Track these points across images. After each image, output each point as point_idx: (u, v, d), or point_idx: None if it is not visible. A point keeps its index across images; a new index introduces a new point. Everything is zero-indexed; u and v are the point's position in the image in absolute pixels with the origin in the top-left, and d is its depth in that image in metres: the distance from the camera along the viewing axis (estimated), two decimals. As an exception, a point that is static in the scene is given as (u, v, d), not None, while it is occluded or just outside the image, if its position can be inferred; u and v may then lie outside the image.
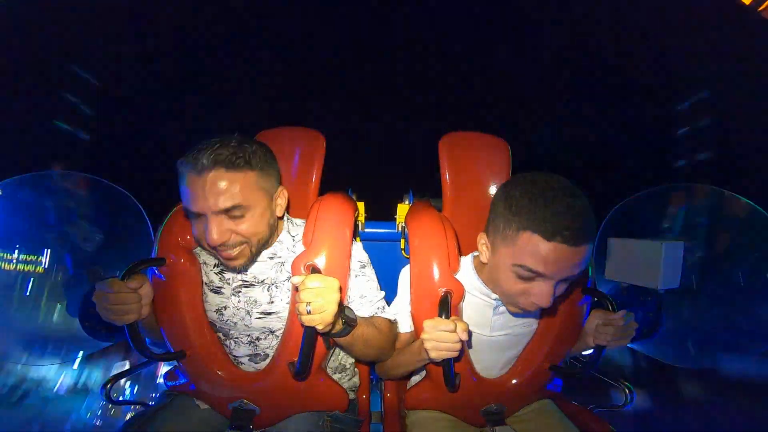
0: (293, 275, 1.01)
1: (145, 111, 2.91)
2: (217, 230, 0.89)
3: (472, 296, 1.06)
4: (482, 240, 0.95)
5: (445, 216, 1.22)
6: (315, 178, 1.33)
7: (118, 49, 2.72)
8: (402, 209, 1.62)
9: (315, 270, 0.93)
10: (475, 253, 1.09)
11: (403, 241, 1.58)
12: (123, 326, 0.93)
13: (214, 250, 0.94)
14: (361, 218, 1.52)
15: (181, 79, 3.09)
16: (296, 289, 0.83)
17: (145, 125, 2.91)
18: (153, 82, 2.93)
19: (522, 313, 0.96)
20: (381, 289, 1.13)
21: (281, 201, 1.02)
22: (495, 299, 1.02)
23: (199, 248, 1.10)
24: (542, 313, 1.09)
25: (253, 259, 1.00)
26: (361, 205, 1.48)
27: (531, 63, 3.19)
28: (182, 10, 2.88)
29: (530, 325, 1.11)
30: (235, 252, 0.94)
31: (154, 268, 1.06)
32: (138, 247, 1.66)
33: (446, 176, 1.34)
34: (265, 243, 1.02)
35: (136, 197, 1.72)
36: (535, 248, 0.80)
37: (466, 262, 1.10)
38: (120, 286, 0.90)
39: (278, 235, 1.08)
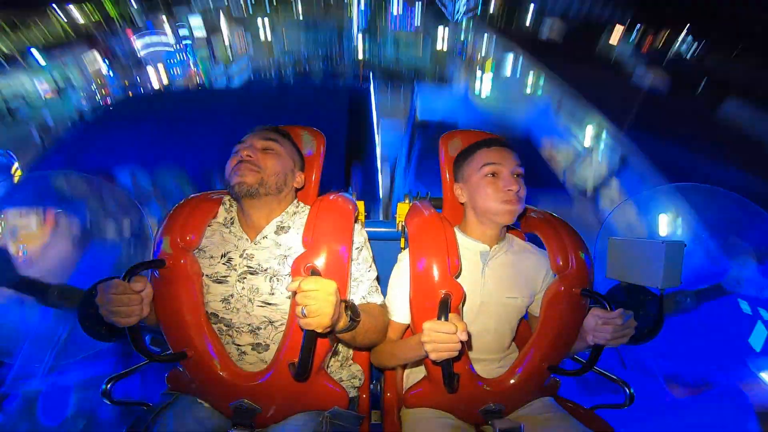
0: (293, 276, 1.02)
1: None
2: (248, 149, 1.13)
3: (464, 257, 1.13)
4: (456, 188, 1.23)
5: (445, 216, 1.22)
6: (315, 176, 1.32)
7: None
8: (402, 208, 1.61)
9: (314, 272, 0.94)
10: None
11: (403, 240, 1.58)
12: (124, 327, 0.93)
13: (235, 174, 1.10)
14: (361, 217, 1.51)
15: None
16: (294, 293, 0.85)
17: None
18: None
19: (507, 224, 1.17)
20: (376, 274, 1.18)
21: (299, 179, 1.24)
22: (482, 252, 1.17)
23: (203, 244, 1.12)
24: (530, 288, 1.19)
25: (258, 190, 1.11)
26: (360, 204, 1.48)
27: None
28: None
29: (516, 296, 1.16)
30: (247, 169, 1.10)
31: (154, 269, 1.06)
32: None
33: (446, 175, 1.33)
34: (277, 192, 1.16)
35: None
36: (485, 154, 1.17)
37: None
38: (125, 287, 0.91)
39: (287, 207, 1.20)
